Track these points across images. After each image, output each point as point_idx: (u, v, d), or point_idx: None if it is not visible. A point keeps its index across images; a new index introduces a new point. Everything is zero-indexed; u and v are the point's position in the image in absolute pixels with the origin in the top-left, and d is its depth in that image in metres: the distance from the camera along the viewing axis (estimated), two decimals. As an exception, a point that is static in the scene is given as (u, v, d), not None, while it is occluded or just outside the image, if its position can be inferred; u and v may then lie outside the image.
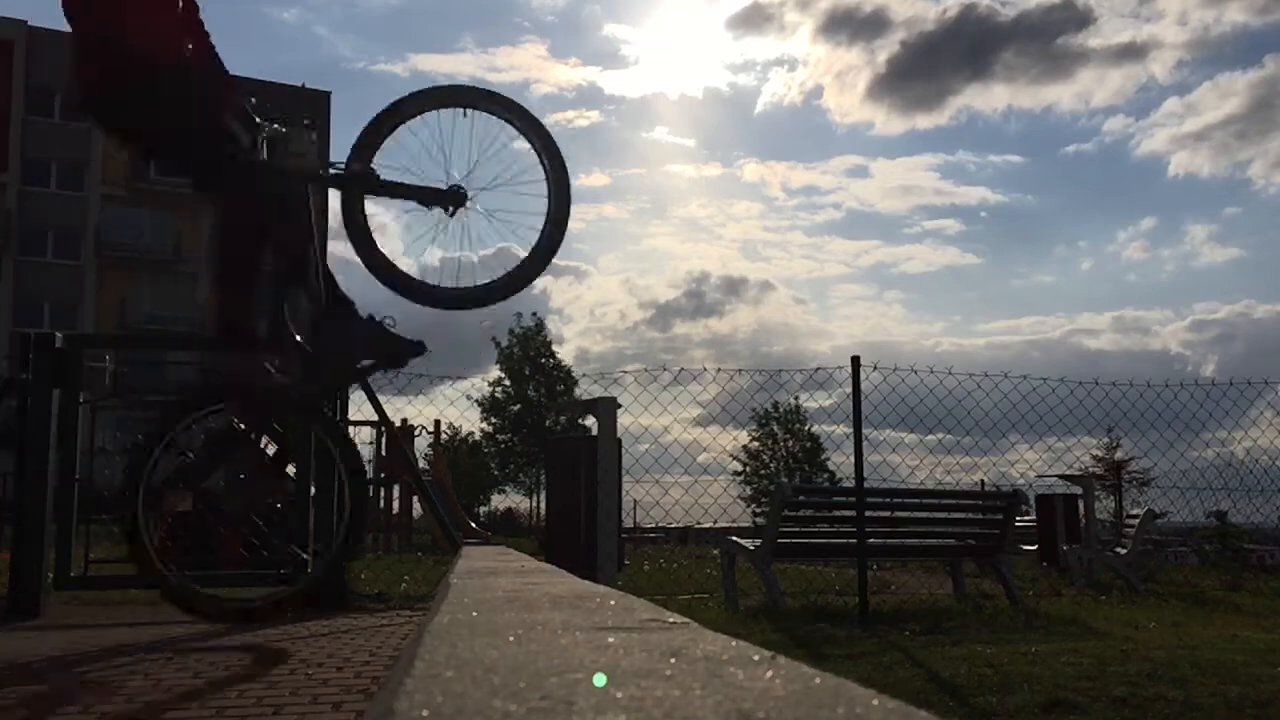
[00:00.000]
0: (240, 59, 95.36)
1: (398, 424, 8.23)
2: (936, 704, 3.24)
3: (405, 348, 3.23)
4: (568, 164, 3.20)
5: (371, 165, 3.21)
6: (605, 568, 5.45)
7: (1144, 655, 4.11)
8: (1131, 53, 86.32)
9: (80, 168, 41.91)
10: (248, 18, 78.38)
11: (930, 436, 8.84)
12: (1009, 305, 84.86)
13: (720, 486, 8.40)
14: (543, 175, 3.22)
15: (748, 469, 36.55)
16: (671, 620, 1.04)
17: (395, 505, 14.25)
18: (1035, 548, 11.48)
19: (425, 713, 0.57)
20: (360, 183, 3.20)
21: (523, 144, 3.25)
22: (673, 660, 0.75)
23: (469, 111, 3.24)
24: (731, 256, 74.90)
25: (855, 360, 6.45)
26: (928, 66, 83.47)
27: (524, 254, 3.25)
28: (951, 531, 7.74)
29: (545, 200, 3.23)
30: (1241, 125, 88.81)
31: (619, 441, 6.56)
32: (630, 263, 77.54)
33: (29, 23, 41.92)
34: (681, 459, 7.62)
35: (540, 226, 3.22)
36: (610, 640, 0.88)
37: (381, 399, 6.31)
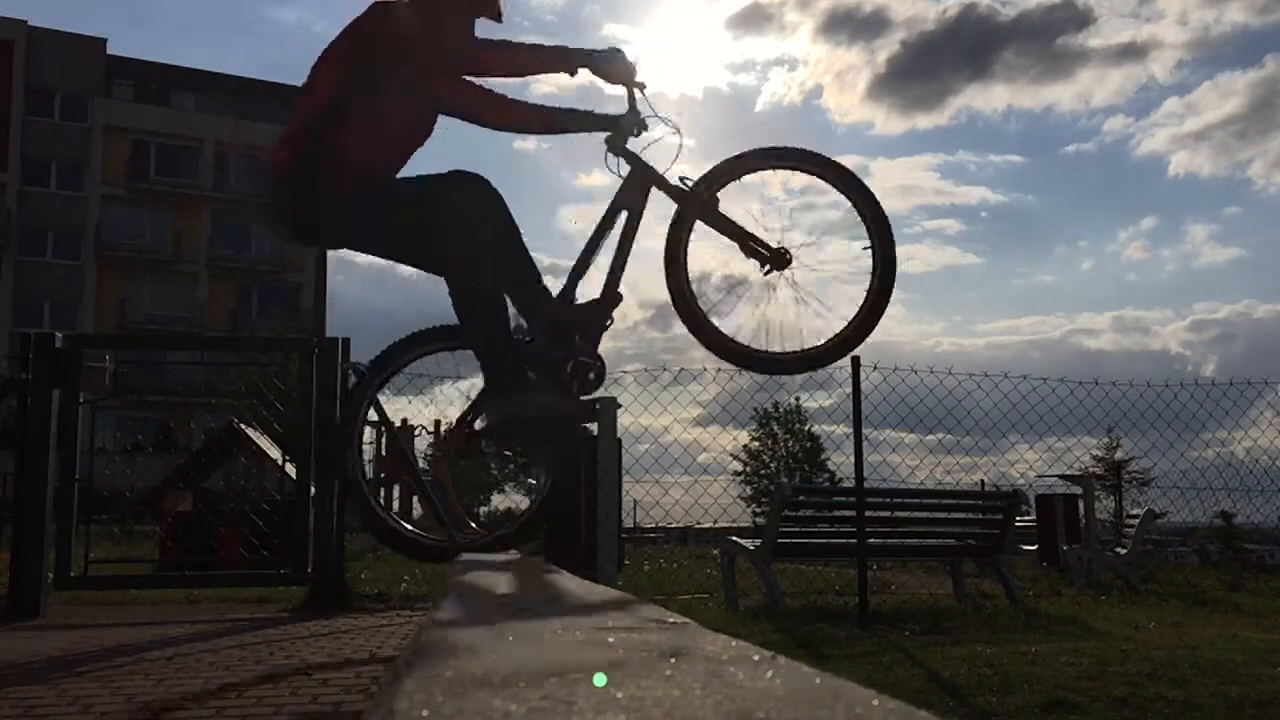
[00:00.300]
0: (241, 59, 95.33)
1: (398, 424, 8.23)
2: (936, 704, 3.24)
3: (605, 304, 3.18)
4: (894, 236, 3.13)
5: (718, 195, 3.14)
6: (605, 568, 5.44)
7: (1144, 655, 4.11)
8: (1131, 52, 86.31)
9: (80, 168, 41.91)
10: (248, 18, 78.47)
11: (930, 436, 8.85)
12: (1009, 305, 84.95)
13: (720, 486, 8.41)
14: (867, 244, 3.12)
15: (748, 469, 36.50)
16: (671, 620, 1.04)
17: (395, 505, 14.27)
18: (1035, 548, 11.47)
19: (425, 712, 0.57)
20: (702, 207, 3.12)
21: (849, 212, 3.15)
22: (673, 660, 0.75)
23: (803, 173, 3.16)
24: (732, 256, 74.63)
25: (855, 360, 6.45)
26: (928, 66, 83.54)
27: (843, 323, 3.16)
28: (951, 531, 7.74)
29: (869, 271, 3.12)
30: (1242, 125, 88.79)
31: (619, 441, 6.54)
32: (630, 262, 77.35)
33: (29, 23, 41.93)
34: (681, 459, 7.63)
35: (863, 295, 3.13)
36: (610, 640, 0.88)
37: (381, 399, 6.31)
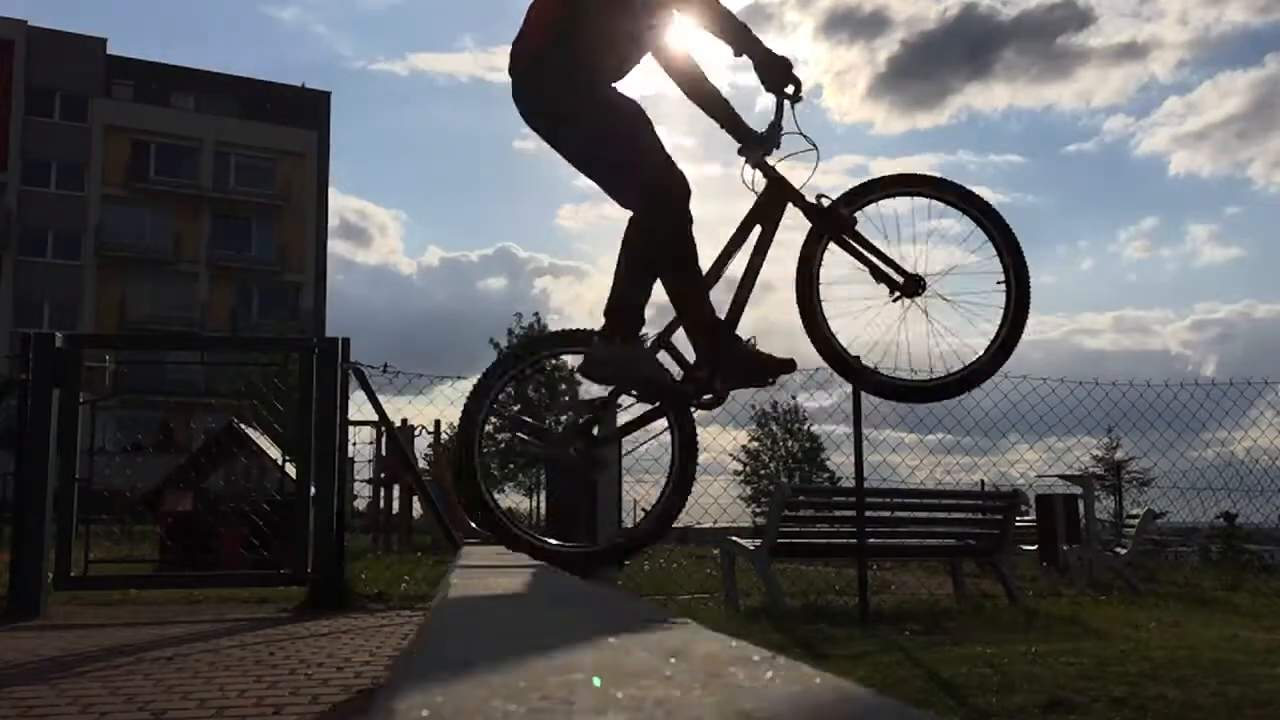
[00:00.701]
0: (240, 58, 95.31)
1: (398, 424, 8.22)
2: (936, 704, 3.24)
3: (775, 367, 3.11)
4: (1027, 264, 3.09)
5: (855, 215, 3.06)
6: (605, 567, 5.44)
7: (1144, 655, 4.11)
8: (1132, 52, 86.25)
9: (80, 168, 41.91)
10: (247, 17, 78.46)
11: (930, 436, 8.87)
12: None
13: (720, 486, 8.41)
14: (1001, 279, 3.07)
15: (747, 469, 36.52)
16: (671, 620, 1.04)
17: (395, 505, 14.28)
18: (1035, 548, 11.47)
19: (425, 713, 0.57)
20: (839, 223, 3.04)
21: (981, 239, 3.11)
22: (673, 660, 0.75)
23: (942, 203, 3.12)
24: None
25: (855, 360, 6.44)
26: (928, 66, 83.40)
27: (978, 352, 3.09)
28: (951, 531, 7.74)
29: (1003, 297, 3.07)
30: (1242, 124, 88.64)
31: (619, 441, 6.55)
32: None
33: (29, 23, 41.94)
34: (681, 459, 7.61)
35: (997, 324, 3.07)
36: (610, 640, 0.88)
37: (381, 399, 6.31)
